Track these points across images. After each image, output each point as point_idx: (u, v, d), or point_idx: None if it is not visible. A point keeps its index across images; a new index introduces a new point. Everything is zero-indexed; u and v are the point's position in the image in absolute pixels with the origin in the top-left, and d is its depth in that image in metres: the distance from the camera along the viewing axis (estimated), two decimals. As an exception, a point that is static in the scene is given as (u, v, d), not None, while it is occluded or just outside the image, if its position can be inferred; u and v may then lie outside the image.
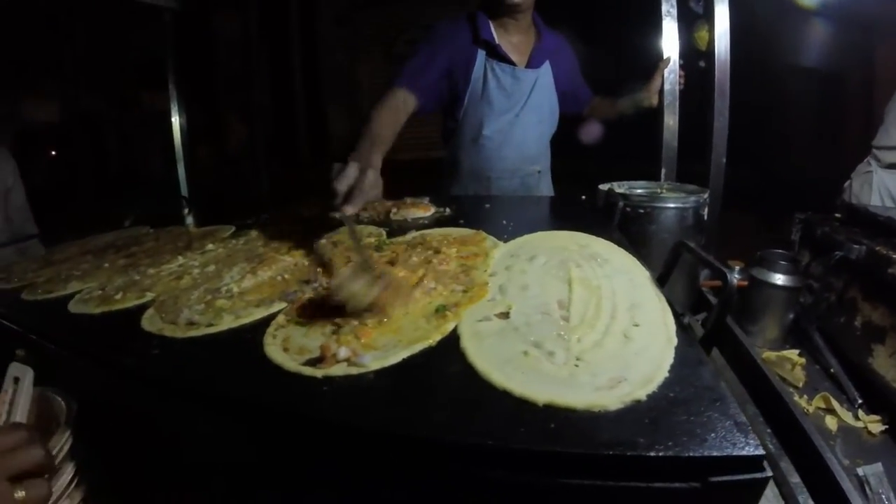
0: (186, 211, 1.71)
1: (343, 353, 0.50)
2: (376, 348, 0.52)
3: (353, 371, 0.48)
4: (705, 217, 1.05)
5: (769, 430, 0.77)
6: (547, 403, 0.41)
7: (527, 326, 0.54)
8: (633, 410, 0.40)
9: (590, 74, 1.52)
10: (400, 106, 1.23)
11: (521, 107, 1.43)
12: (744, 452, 0.36)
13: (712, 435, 0.37)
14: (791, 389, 0.90)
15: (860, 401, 0.88)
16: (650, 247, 0.97)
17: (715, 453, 0.36)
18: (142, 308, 0.72)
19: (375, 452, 0.41)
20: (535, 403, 0.41)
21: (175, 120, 2.45)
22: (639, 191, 1.11)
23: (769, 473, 0.36)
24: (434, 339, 0.53)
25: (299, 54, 2.96)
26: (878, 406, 0.86)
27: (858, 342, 0.95)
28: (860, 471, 0.74)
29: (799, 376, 0.92)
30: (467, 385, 0.45)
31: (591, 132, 1.57)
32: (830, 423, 0.84)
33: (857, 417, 0.85)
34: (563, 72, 1.49)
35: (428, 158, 2.25)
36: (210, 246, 1.01)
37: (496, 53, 1.39)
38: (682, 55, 1.34)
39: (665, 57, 1.30)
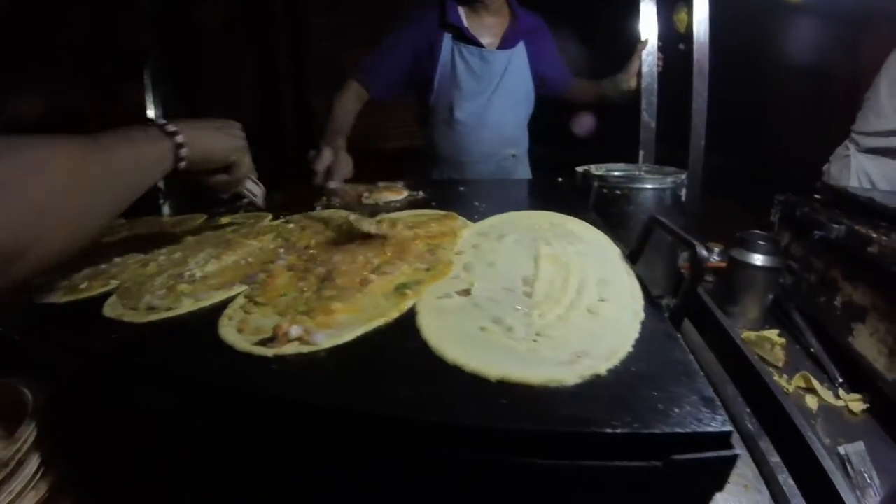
0: (162, 202, 1.68)
1: (295, 331, 0.49)
2: (332, 327, 0.51)
3: (305, 349, 0.47)
4: (683, 198, 1.03)
5: (748, 411, 0.75)
6: (500, 379, 0.39)
7: (488, 302, 0.51)
8: (593, 386, 0.38)
9: (565, 58, 1.50)
10: (353, 97, 1.41)
11: (492, 89, 1.42)
12: (709, 429, 0.33)
13: (676, 411, 0.35)
14: (771, 369, 0.89)
15: (841, 380, 0.87)
16: (628, 228, 0.94)
17: (678, 430, 0.33)
18: (107, 296, 0.71)
19: (322, 429, 0.40)
20: (488, 379, 0.39)
21: (151, 113, 2.39)
22: (616, 173, 1.09)
23: (737, 451, 0.33)
24: (391, 316, 0.52)
25: (284, 42, 2.89)
26: (860, 385, 0.85)
27: (839, 322, 0.94)
28: (841, 450, 0.73)
29: (779, 356, 0.90)
30: (419, 361, 0.44)
31: (584, 124, 1.56)
32: (811, 402, 0.83)
33: (837, 397, 0.84)
34: (539, 53, 1.47)
35: (415, 147, 2.23)
36: (178, 233, 0.99)
37: (463, 36, 1.38)
38: (661, 38, 1.32)
39: (643, 39, 1.29)
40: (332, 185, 1.04)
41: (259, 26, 2.82)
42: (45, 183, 0.45)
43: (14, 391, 0.65)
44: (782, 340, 0.92)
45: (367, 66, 1.42)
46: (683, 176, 1.02)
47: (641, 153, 1.25)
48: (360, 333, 0.49)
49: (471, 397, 0.38)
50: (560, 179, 1.12)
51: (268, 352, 0.47)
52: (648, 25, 1.31)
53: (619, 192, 0.97)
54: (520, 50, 1.44)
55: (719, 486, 0.35)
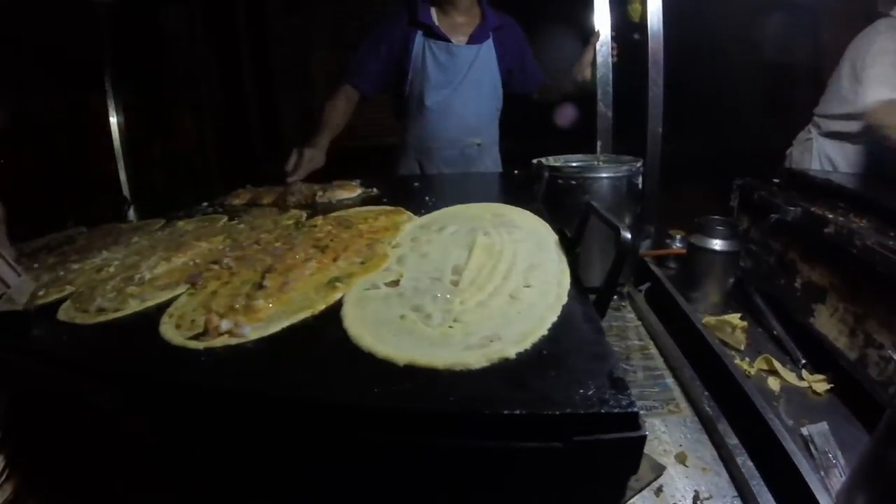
0: (127, 209, 1.67)
1: (225, 325, 0.51)
2: (262, 320, 0.52)
3: (233, 342, 0.49)
4: (640, 186, 1.02)
5: (706, 394, 0.74)
6: (407, 363, 0.39)
7: (413, 292, 0.51)
8: (499, 369, 0.37)
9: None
10: (345, 98, 1.53)
11: (458, 81, 1.52)
12: (615, 410, 0.32)
13: (581, 391, 0.33)
14: (732, 353, 0.88)
15: (804, 361, 0.86)
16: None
17: (580, 411, 0.31)
18: (63, 301, 0.73)
19: (245, 414, 0.42)
20: (396, 364, 0.40)
21: (113, 120, 2.35)
22: (574, 163, 1.08)
23: (644, 432, 0.32)
24: (317, 308, 0.53)
25: (248, 45, 2.86)
26: (822, 366, 0.84)
27: (799, 303, 0.93)
28: (805, 430, 0.72)
29: (741, 339, 0.89)
30: (338, 349, 0.45)
31: (566, 116, 1.60)
32: (773, 384, 0.82)
33: (801, 378, 0.83)
34: (508, 49, 1.56)
35: (384, 145, 2.24)
36: (135, 238, 1.00)
37: (433, 33, 1.50)
38: (615, 28, 1.33)
39: (595, 31, 1.30)
40: (291, 180, 1.17)
41: (222, 30, 2.80)
42: None
43: None
44: (744, 324, 0.91)
45: (354, 69, 1.54)
46: (639, 164, 1.01)
47: (599, 143, 1.24)
48: (287, 325, 0.50)
49: (376, 380, 0.38)
50: (516, 172, 1.11)
51: (199, 345, 0.49)
52: (602, 16, 1.32)
53: (573, 181, 0.96)
54: (487, 46, 1.53)
55: (633, 468, 0.33)
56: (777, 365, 0.84)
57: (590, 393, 0.33)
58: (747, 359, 0.86)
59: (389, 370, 0.39)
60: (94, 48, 2.33)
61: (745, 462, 0.63)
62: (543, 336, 0.41)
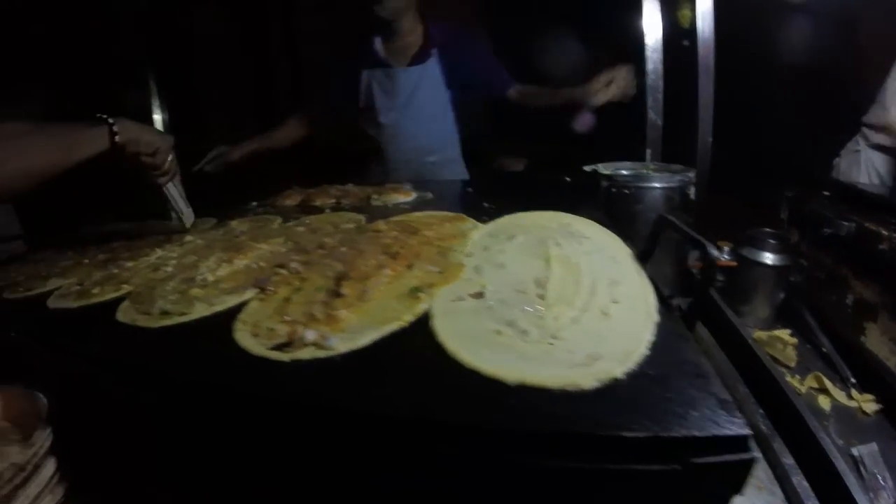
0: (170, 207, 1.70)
1: (310, 336, 0.49)
2: (346, 331, 0.51)
3: (321, 354, 0.47)
4: (692, 196, 1.02)
5: (761, 411, 0.75)
6: (518, 382, 0.39)
7: (501, 305, 0.51)
8: (610, 389, 0.38)
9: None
10: (296, 125, 1.70)
11: (403, 103, 1.58)
12: (728, 432, 0.33)
13: (694, 414, 0.34)
14: (783, 369, 0.88)
15: (853, 380, 0.86)
16: (636, 227, 0.93)
17: (696, 433, 0.33)
18: (119, 301, 0.72)
19: (341, 432, 0.40)
20: (506, 382, 0.39)
21: (156, 117, 2.42)
22: (624, 172, 1.08)
23: (756, 454, 0.33)
24: (405, 319, 0.52)
25: (280, 45, 2.90)
26: (872, 385, 0.84)
27: (850, 320, 0.93)
28: (855, 451, 0.72)
29: (791, 356, 0.89)
30: (436, 364, 0.44)
31: (585, 122, 1.56)
32: (823, 402, 0.82)
33: (850, 397, 0.83)
34: (458, 63, 1.56)
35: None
36: (189, 238, 1.01)
37: (377, 62, 1.58)
38: (664, 35, 1.32)
39: (620, 66, 1.23)
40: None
41: (253, 31, 2.84)
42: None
43: (28, 396, 0.65)
44: (794, 340, 0.91)
45: (313, 100, 1.71)
46: (692, 174, 1.01)
47: (649, 152, 1.24)
48: (377, 337, 0.49)
49: (489, 400, 0.38)
50: (567, 179, 1.11)
51: (284, 356, 0.48)
52: (652, 21, 1.31)
53: (627, 191, 0.96)
54: (431, 65, 1.56)
55: (738, 488, 0.35)
56: (827, 383, 0.84)
57: (703, 415, 0.34)
58: (797, 376, 0.86)
59: (500, 389, 0.39)
60: (134, 49, 2.38)
61: (800, 482, 0.64)
62: (645, 355, 0.41)
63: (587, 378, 0.38)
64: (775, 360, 0.89)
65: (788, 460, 0.67)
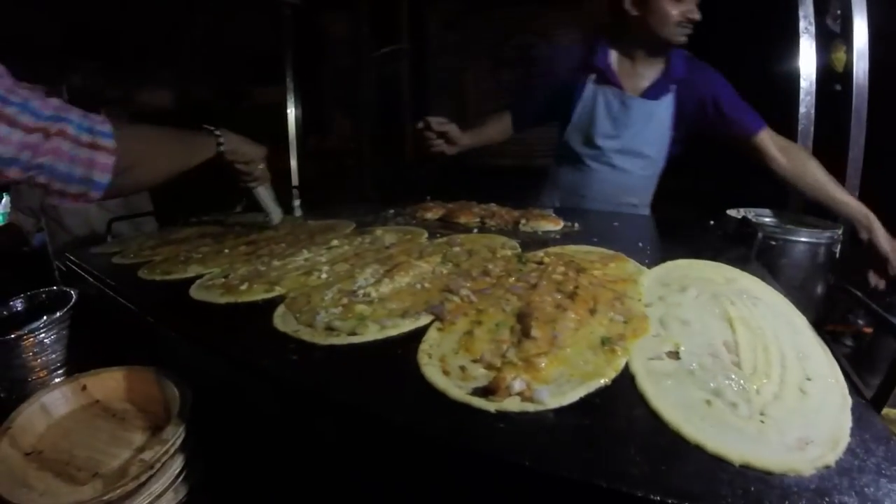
0: (298, 203, 1.81)
1: (518, 385, 0.48)
2: (548, 382, 0.50)
3: (530, 408, 0.46)
4: (837, 255, 1.02)
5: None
6: (743, 464, 0.40)
7: (701, 370, 0.52)
8: (826, 477, 0.39)
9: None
10: (500, 120, 1.60)
11: (629, 135, 1.42)
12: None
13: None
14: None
15: None
16: (777, 282, 0.96)
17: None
18: (270, 303, 0.71)
19: (555, 498, 0.40)
20: (731, 462, 0.40)
21: (290, 112, 2.61)
22: (767, 219, 1.09)
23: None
24: (609, 376, 0.51)
25: (408, 55, 3.02)
26: None
27: None
28: None
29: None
30: (656, 434, 0.44)
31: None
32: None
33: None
34: (691, 104, 1.37)
35: (530, 167, 2.34)
36: (335, 242, 1.02)
37: (605, 79, 1.42)
38: (816, 77, 1.28)
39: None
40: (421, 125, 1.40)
41: (384, 38, 2.98)
42: (140, 140, 0.88)
43: (159, 383, 0.65)
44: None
45: (516, 101, 1.61)
46: (840, 231, 1.01)
47: (791, 202, 1.23)
48: (584, 394, 0.48)
49: (718, 482, 0.38)
50: (712, 223, 1.12)
51: (489, 405, 0.46)
52: (807, 63, 1.28)
53: (773, 242, 0.98)
54: (666, 103, 1.39)
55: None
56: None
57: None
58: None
59: (726, 470, 0.39)
60: (277, 45, 2.56)
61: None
62: (848, 443, 0.42)
63: (805, 465, 0.39)
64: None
65: None
